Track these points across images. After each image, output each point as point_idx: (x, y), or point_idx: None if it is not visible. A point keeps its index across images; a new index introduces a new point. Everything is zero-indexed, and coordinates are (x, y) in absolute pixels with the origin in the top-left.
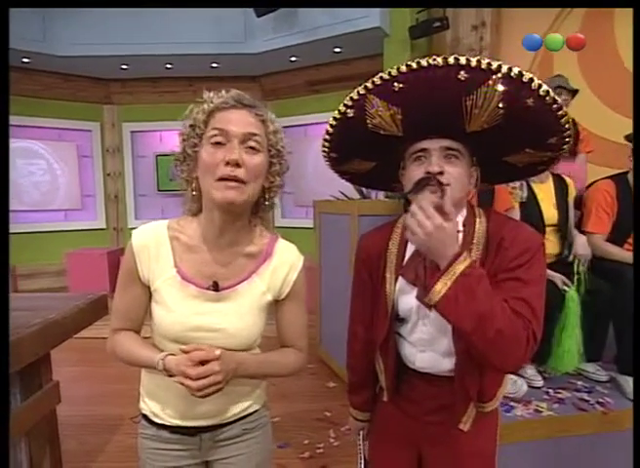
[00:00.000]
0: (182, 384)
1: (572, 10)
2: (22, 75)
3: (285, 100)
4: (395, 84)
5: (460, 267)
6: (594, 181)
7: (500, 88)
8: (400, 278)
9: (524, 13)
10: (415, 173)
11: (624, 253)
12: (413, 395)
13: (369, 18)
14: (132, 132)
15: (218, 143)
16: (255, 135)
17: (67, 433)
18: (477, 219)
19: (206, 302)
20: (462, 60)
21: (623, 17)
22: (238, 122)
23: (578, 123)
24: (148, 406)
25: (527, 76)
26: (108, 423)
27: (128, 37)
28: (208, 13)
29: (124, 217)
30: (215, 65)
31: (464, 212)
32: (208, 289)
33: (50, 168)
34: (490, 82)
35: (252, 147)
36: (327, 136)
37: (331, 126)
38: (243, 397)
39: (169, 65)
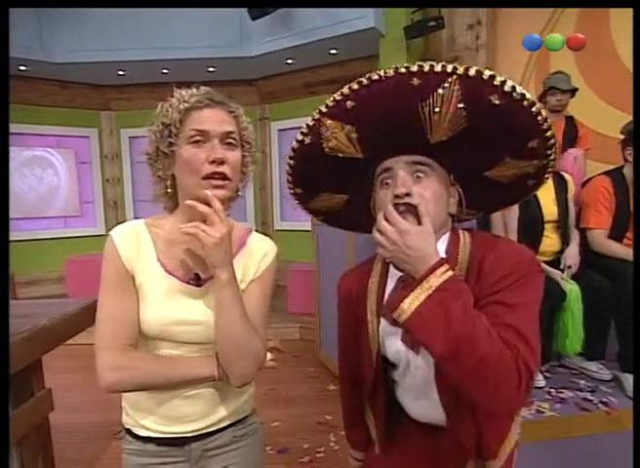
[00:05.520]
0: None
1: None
2: (20, 83)
3: (282, 103)
4: (348, 102)
5: (436, 281)
6: (589, 178)
7: (457, 87)
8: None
9: (520, 11)
10: (383, 199)
11: (626, 250)
12: (407, 447)
13: (364, 18)
14: (130, 137)
15: (198, 142)
16: (231, 132)
17: (64, 441)
18: (461, 243)
19: (188, 295)
20: (414, 68)
21: (619, 13)
22: (215, 121)
23: (577, 120)
24: (132, 418)
25: (487, 74)
26: (106, 430)
27: (124, 43)
28: (203, 17)
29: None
30: (211, 70)
31: (447, 237)
32: (189, 281)
33: (48, 175)
34: (445, 84)
35: (229, 143)
36: (289, 169)
37: (290, 158)
38: (228, 396)
39: (165, 70)
